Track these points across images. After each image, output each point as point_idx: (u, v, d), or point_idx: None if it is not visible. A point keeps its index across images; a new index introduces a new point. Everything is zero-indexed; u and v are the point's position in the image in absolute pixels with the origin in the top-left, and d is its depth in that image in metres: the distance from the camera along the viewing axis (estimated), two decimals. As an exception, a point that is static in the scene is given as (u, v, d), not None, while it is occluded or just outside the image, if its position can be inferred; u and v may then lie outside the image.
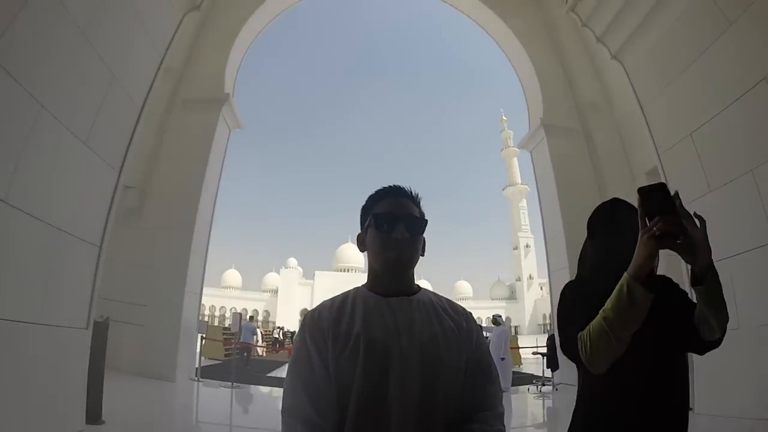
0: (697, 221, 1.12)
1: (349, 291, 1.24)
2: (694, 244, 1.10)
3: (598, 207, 1.58)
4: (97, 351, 3.97)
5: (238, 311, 22.84)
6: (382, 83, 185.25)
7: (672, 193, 1.10)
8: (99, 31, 3.86)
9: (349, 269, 66.74)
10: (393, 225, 1.15)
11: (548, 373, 9.26)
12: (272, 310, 61.34)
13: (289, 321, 50.89)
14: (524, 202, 66.72)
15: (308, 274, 66.27)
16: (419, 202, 1.23)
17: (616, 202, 1.53)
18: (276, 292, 63.64)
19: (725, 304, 1.18)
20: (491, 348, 9.29)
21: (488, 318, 12.96)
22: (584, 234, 1.61)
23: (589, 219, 1.58)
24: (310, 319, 1.17)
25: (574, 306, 1.34)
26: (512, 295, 67.11)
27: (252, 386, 8.73)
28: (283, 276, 64.76)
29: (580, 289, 1.45)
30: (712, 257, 1.12)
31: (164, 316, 7.30)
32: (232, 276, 66.07)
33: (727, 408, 4.78)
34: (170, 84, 8.43)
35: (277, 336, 23.54)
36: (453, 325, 1.18)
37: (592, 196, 8.83)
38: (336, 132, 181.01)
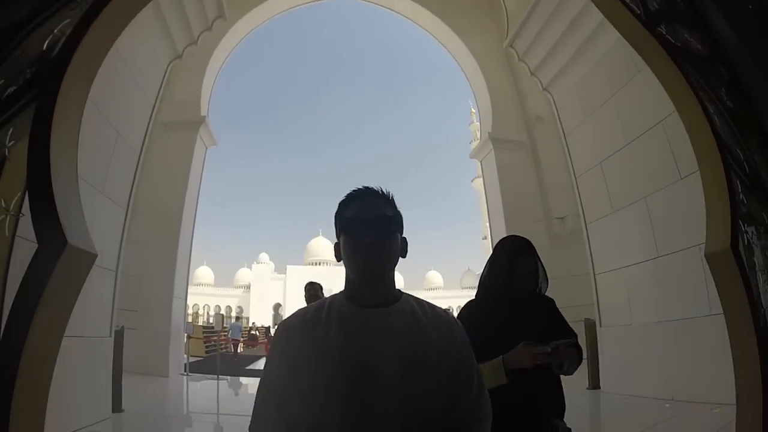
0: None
1: (326, 299, 1.19)
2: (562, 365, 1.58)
3: (508, 242, 1.92)
4: (117, 354, 4.92)
5: (219, 311, 23.87)
6: (353, 84, 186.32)
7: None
8: (106, 99, 4.71)
9: (320, 263, 67.20)
10: (362, 229, 1.10)
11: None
12: (245, 306, 61.38)
13: (263, 317, 51.41)
14: (492, 194, 68.27)
15: (280, 269, 66.46)
16: (392, 201, 1.19)
17: (521, 248, 1.86)
18: (248, 287, 63.73)
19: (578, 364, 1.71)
20: None
21: (458, 307, 14.34)
22: None
23: (497, 248, 1.92)
24: (282, 330, 1.15)
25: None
26: None
27: (235, 377, 10.06)
28: (255, 271, 64.91)
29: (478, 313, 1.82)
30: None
31: (155, 319, 8.13)
32: (204, 273, 65.72)
33: (629, 388, 5.75)
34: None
35: (254, 332, 24.50)
36: (435, 336, 1.13)
37: (536, 206, 10.04)
38: (307, 129, 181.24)
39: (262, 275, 64.13)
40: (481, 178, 11.60)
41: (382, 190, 1.18)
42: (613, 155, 6.23)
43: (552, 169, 10.03)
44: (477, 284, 2.00)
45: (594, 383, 6.36)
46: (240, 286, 66.08)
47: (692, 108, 3.06)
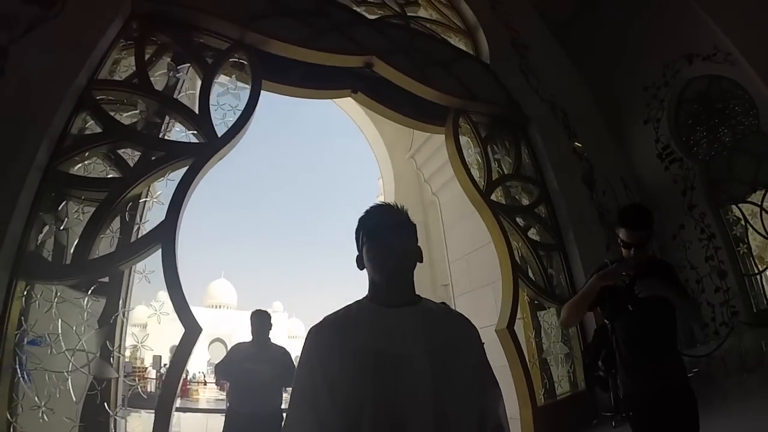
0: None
1: (351, 304, 1.26)
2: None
3: None
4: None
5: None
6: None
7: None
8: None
9: (220, 306, 65.55)
10: (382, 234, 1.23)
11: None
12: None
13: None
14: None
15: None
16: (406, 212, 1.34)
17: None
18: (145, 326, 60.33)
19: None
20: None
21: None
22: None
23: None
24: (314, 334, 1.19)
25: None
26: None
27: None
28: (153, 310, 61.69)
29: None
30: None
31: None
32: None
33: None
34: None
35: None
36: (456, 333, 1.25)
37: (426, 274, 12.58)
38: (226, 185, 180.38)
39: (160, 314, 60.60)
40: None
41: (397, 204, 1.34)
42: (475, 251, 8.89)
43: (438, 245, 12.68)
44: None
45: None
46: (137, 325, 62.19)
47: (500, 242, 5.76)
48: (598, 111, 8.85)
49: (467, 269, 9.02)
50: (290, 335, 52.02)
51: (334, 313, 1.25)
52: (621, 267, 2.37)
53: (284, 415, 3.90)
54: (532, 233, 6.38)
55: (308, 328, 1.24)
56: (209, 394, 25.22)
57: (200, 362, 36.62)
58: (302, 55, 5.15)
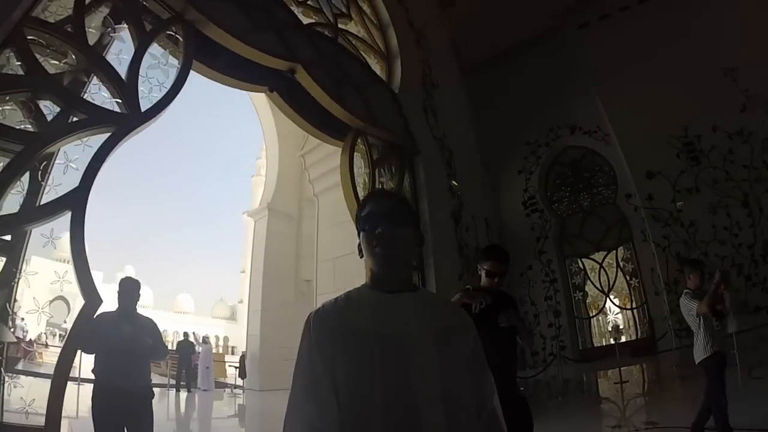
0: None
1: (350, 291, 1.27)
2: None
3: None
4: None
5: None
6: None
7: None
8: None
9: (66, 260, 57.38)
10: (376, 221, 1.22)
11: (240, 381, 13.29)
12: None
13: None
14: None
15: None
16: (404, 198, 1.39)
17: None
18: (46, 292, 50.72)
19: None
20: (200, 360, 12.94)
21: (204, 337, 16.30)
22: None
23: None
24: (314, 319, 1.18)
25: None
26: (233, 316, 68.05)
27: None
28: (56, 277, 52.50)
29: None
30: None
31: None
32: None
33: None
34: None
35: None
36: (455, 320, 1.26)
37: (290, 267, 13.02)
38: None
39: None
40: (252, 233, 14.13)
41: (392, 191, 1.81)
42: (343, 256, 9.51)
43: (308, 240, 13.10)
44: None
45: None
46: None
47: None
48: (479, 157, 10.07)
49: (333, 271, 9.61)
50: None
51: (334, 299, 1.25)
52: (481, 294, 2.76)
53: (153, 391, 3.92)
54: None
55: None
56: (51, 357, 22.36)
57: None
58: (235, 47, 5.24)
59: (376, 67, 8.00)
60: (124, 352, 3.56)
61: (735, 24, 9.39)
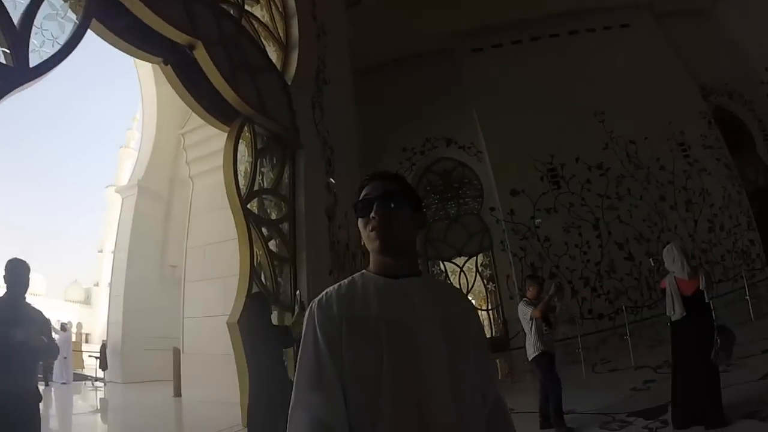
0: None
1: (354, 275, 1.21)
2: None
3: None
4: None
5: None
6: None
7: None
8: None
9: None
10: (370, 206, 1.18)
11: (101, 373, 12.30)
12: None
13: None
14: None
15: None
16: (401, 179, 1.27)
17: None
18: None
19: None
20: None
21: (58, 321, 14.48)
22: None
23: None
24: (318, 307, 1.14)
25: None
26: (88, 300, 61.81)
27: None
28: None
29: None
30: None
31: None
32: None
33: (206, 396, 7.80)
34: None
35: None
36: (460, 306, 1.24)
37: (157, 251, 12.27)
38: None
39: None
40: (119, 211, 13.09)
41: (389, 172, 1.28)
42: (215, 244, 9.19)
43: (177, 224, 12.40)
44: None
45: (177, 393, 9.04)
46: None
47: (244, 246, 6.30)
48: (358, 157, 10.35)
49: (203, 259, 9.30)
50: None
51: (337, 285, 1.20)
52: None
53: (41, 394, 3.44)
54: (272, 245, 7.06)
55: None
56: None
57: None
58: (138, 10, 4.89)
59: (273, 55, 7.86)
60: (6, 349, 2.96)
61: (607, 76, 11.27)
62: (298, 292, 5.87)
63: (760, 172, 12.54)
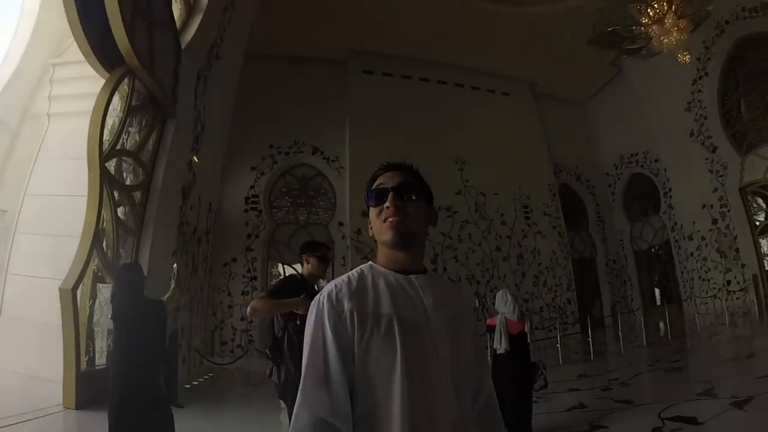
0: None
1: (362, 268, 1.18)
2: None
3: None
4: None
5: None
6: None
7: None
8: None
9: None
10: (382, 197, 1.15)
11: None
12: None
13: None
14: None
15: None
16: (415, 172, 1.24)
17: None
18: None
19: None
20: None
21: None
22: None
23: None
24: (327, 301, 1.10)
25: None
26: None
27: None
28: None
29: None
30: None
31: None
32: None
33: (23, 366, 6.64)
34: None
35: None
36: (461, 303, 1.25)
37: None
38: None
39: None
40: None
41: (404, 163, 1.25)
42: (57, 197, 7.89)
43: (18, 163, 10.87)
44: None
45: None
46: None
47: (93, 206, 5.71)
48: (225, 143, 10.07)
49: (43, 210, 8.25)
50: None
51: (346, 278, 1.16)
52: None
53: None
54: (121, 212, 6.49)
55: None
56: None
57: None
58: None
59: (176, 12, 7.47)
60: None
61: (478, 131, 12.68)
62: (175, 265, 5.37)
63: (587, 246, 14.97)
